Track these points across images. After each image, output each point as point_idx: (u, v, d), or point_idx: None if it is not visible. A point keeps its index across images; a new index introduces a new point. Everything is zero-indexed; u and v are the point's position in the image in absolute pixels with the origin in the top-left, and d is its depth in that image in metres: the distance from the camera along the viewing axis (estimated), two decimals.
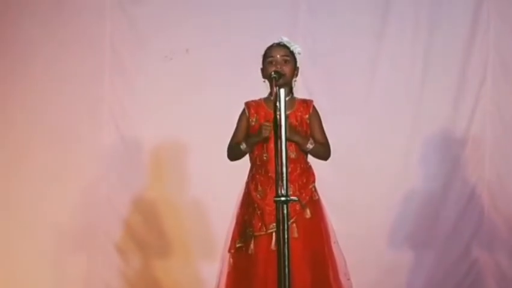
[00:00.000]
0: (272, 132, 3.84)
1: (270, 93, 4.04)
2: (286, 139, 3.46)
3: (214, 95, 5.56)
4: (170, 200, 5.67)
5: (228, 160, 4.19)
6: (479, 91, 5.64)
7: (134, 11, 5.69)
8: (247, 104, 4.17)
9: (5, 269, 5.60)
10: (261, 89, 4.14)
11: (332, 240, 4.11)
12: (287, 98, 3.81)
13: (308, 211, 4.03)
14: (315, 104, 4.21)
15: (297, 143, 4.06)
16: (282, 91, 3.39)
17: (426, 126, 5.64)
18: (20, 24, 5.70)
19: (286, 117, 3.36)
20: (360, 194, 5.58)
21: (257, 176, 4.09)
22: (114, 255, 5.65)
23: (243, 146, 4.08)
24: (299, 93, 4.24)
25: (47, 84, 5.69)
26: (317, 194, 4.12)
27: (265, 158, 4.07)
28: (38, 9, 5.71)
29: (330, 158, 4.20)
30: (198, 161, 5.57)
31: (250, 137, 4.10)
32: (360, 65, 5.70)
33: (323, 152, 4.15)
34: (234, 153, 4.15)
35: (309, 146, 4.07)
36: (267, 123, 3.96)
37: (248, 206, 4.09)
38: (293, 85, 4.15)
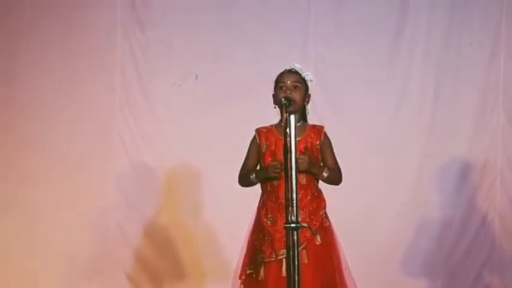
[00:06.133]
0: (282, 160, 3.84)
1: (281, 120, 4.06)
2: (304, 171, 3.79)
3: (224, 120, 5.57)
4: (181, 227, 5.67)
5: (239, 186, 4.17)
6: (493, 118, 5.68)
7: (144, 37, 5.72)
8: (258, 130, 4.17)
9: None
10: (272, 114, 4.14)
11: (343, 266, 4.09)
12: (298, 124, 3.81)
13: (318, 237, 4.00)
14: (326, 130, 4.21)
15: (314, 174, 4.05)
16: (292, 117, 3.41)
17: (440, 153, 5.65)
18: (30, 48, 5.73)
19: (297, 144, 3.37)
20: (374, 220, 5.59)
21: (267, 202, 4.08)
22: (125, 282, 5.65)
23: (253, 177, 4.09)
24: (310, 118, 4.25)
25: (56, 111, 5.71)
26: (328, 221, 4.10)
27: (275, 184, 4.05)
28: (47, 34, 5.74)
29: (344, 185, 4.19)
30: (209, 187, 5.58)
31: (261, 171, 4.10)
32: (372, 91, 5.71)
33: (336, 177, 4.15)
34: (244, 181, 4.15)
35: (324, 174, 4.08)
36: (278, 165, 3.95)
37: (258, 232, 4.08)
38: (307, 111, 4.15)
